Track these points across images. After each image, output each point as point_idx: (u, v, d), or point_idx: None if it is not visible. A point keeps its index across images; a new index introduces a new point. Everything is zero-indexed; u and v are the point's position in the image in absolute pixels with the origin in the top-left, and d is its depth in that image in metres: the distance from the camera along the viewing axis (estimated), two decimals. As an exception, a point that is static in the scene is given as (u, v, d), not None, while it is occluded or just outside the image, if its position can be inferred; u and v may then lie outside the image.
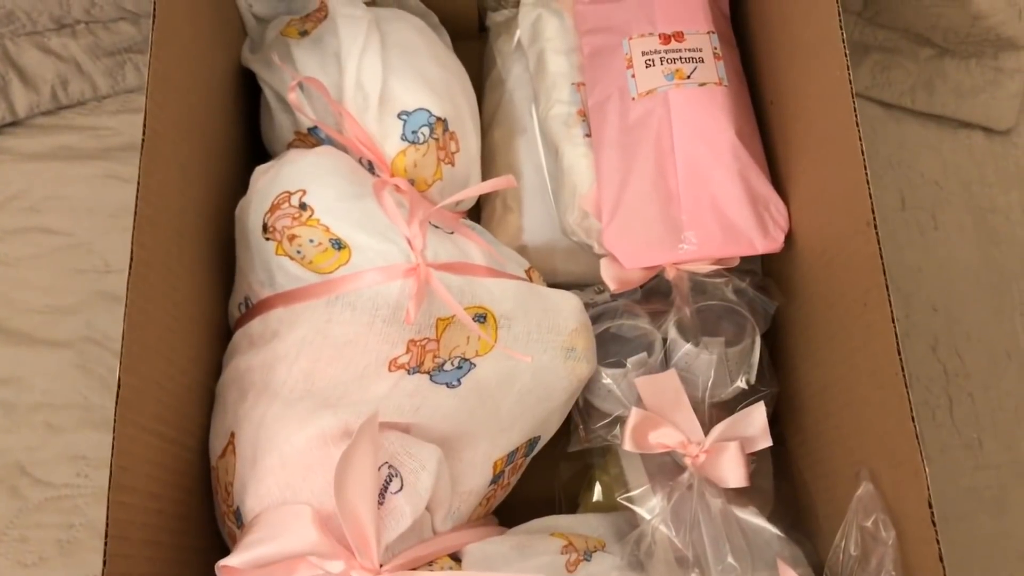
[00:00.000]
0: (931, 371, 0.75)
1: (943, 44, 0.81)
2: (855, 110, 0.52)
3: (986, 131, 0.81)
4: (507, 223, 0.73)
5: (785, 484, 0.66)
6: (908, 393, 0.47)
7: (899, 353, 0.48)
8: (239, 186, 0.65)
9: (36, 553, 0.72)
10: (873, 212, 0.50)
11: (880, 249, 0.49)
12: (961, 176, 0.80)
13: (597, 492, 0.69)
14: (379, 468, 0.52)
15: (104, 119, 0.82)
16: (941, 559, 0.45)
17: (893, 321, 0.48)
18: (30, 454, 0.74)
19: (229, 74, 0.69)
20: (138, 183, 0.50)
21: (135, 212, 0.50)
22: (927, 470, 0.46)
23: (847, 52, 0.54)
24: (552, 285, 0.70)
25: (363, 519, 0.50)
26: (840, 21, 0.55)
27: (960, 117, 0.80)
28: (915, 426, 0.47)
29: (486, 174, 0.73)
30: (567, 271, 0.72)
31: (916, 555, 0.47)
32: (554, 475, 0.71)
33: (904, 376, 0.47)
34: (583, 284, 0.71)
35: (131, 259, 0.49)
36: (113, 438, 0.47)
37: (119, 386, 0.47)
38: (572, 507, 0.70)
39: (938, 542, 0.45)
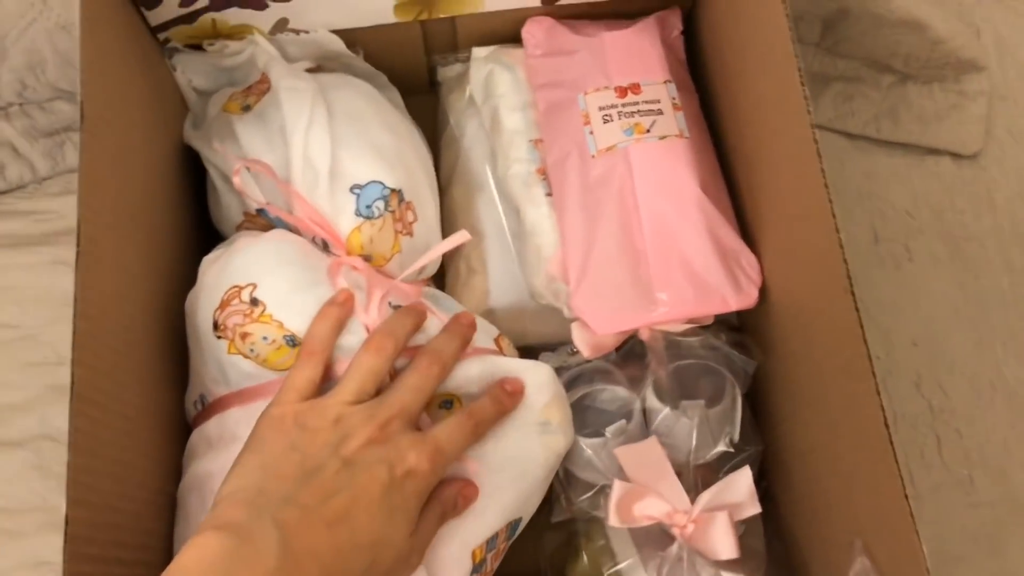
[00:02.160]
0: (916, 408, 0.73)
1: (904, 70, 0.79)
2: (823, 171, 0.49)
3: (954, 156, 0.79)
4: (472, 286, 0.71)
5: (777, 543, 0.64)
6: (899, 469, 0.45)
7: (887, 426, 0.46)
8: (189, 272, 0.62)
9: None
10: (849, 278, 0.48)
11: (860, 317, 0.47)
12: (932, 204, 0.78)
13: (583, 562, 0.66)
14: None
15: (46, 202, 0.79)
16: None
17: (878, 394, 0.46)
18: None
19: (172, 153, 0.66)
20: (75, 300, 0.47)
21: (73, 331, 0.47)
22: (925, 550, 0.44)
23: (808, 97, 0.51)
24: (523, 347, 0.67)
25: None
26: (799, 69, 0.52)
27: (926, 143, 0.79)
28: (909, 504, 0.44)
29: (447, 235, 0.71)
30: (538, 332, 0.70)
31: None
32: (538, 547, 0.68)
33: (894, 451, 0.45)
34: (555, 344, 0.68)
35: (72, 382, 0.46)
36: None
37: (67, 523, 0.44)
38: (559, 577, 0.67)
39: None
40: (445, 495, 0.54)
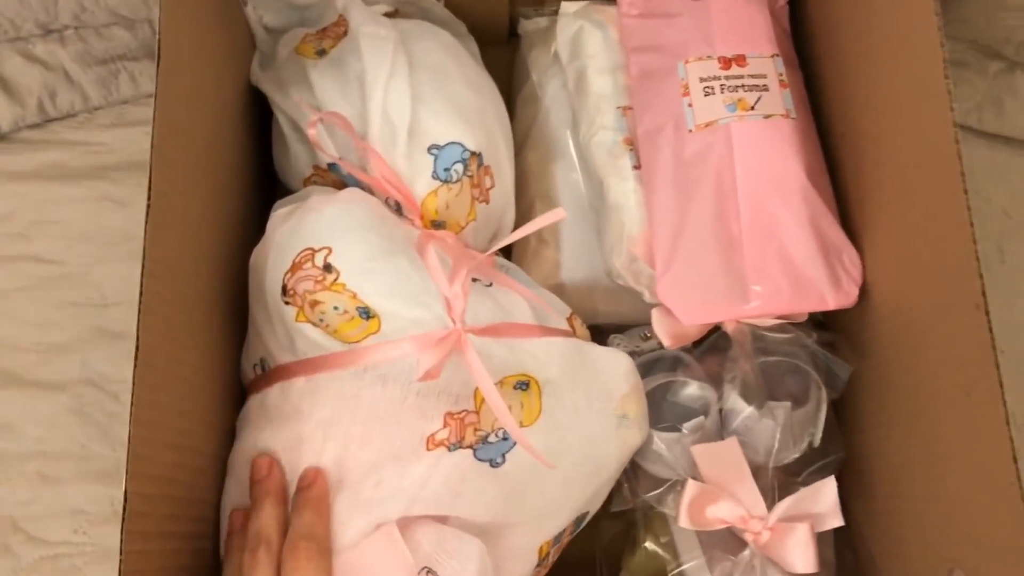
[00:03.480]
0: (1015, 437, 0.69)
1: (1015, 58, 0.74)
2: (962, 174, 0.45)
3: None
4: (543, 258, 0.67)
5: (848, 554, 0.61)
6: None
7: (1015, 461, 0.42)
8: (252, 223, 0.58)
9: None
10: (984, 294, 0.44)
11: (993, 338, 0.43)
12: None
13: (642, 556, 0.63)
14: (417, 574, 0.47)
15: (96, 133, 0.75)
16: None
17: (1008, 424, 0.42)
18: (23, 508, 0.68)
19: (239, 97, 0.62)
20: (143, 258, 0.44)
21: (140, 291, 0.43)
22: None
23: (948, 75, 0.47)
24: (593, 326, 0.64)
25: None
26: (941, 36, 0.48)
27: None
28: (1033, 546, 0.41)
29: (519, 201, 0.67)
30: (609, 311, 0.66)
31: None
32: (594, 535, 0.65)
33: (1021, 487, 0.42)
34: (627, 325, 0.64)
35: (137, 348, 0.43)
36: (120, 561, 0.41)
37: (125, 499, 0.41)
38: (613, 568, 0.65)
39: None
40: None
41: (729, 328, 0.59)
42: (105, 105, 0.75)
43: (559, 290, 0.65)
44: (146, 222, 0.44)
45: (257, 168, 0.65)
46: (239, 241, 0.58)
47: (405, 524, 0.49)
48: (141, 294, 0.43)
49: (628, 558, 0.64)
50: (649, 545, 0.63)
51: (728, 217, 0.58)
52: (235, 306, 0.57)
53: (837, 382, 0.58)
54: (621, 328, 0.65)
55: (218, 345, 0.55)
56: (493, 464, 0.52)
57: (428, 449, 0.51)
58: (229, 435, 0.56)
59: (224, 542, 0.52)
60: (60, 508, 0.68)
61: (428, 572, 0.48)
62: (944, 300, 0.48)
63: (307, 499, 0.48)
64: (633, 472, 0.62)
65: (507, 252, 0.68)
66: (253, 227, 0.58)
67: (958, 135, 0.45)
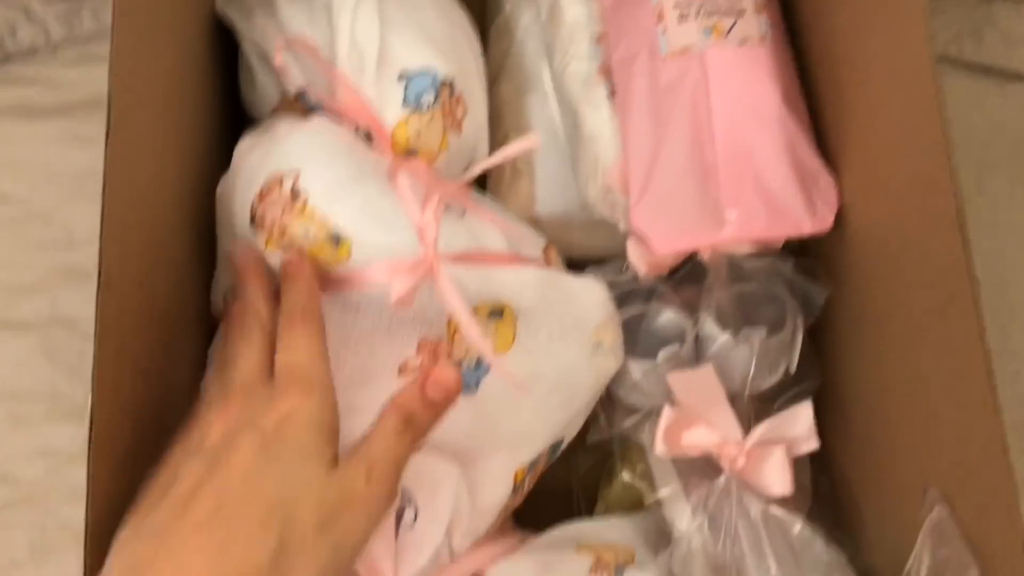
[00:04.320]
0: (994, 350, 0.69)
1: (994, -14, 0.73)
2: (934, 74, 0.44)
3: None
4: (517, 191, 0.66)
5: (823, 480, 0.61)
6: (1002, 422, 0.41)
7: (990, 376, 0.42)
8: (219, 156, 0.57)
9: (6, 556, 0.66)
10: (959, 211, 0.43)
11: (969, 254, 0.43)
12: (1010, 136, 0.73)
13: (618, 486, 0.63)
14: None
15: (60, 71, 0.73)
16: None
17: (983, 339, 0.42)
18: None
19: (202, 26, 0.60)
20: (104, 179, 0.43)
21: (101, 213, 0.42)
22: (1023, 504, 0.41)
23: (927, 11, 0.46)
24: (569, 259, 0.63)
25: (379, 560, 0.44)
26: None
27: (1012, 68, 0.73)
28: (1008, 460, 0.41)
29: (493, 134, 0.66)
30: (585, 245, 0.66)
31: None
32: (571, 467, 0.65)
33: (995, 403, 0.42)
34: (603, 259, 0.64)
35: (100, 268, 0.42)
36: (87, 482, 0.40)
37: (91, 423, 0.41)
38: (590, 501, 0.65)
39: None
40: (402, 399, 0.46)
41: (705, 256, 0.58)
42: (67, 42, 0.73)
43: (534, 223, 0.65)
44: (106, 143, 0.43)
45: (224, 105, 0.64)
46: (206, 177, 0.56)
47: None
48: (103, 214, 0.42)
49: (605, 489, 0.64)
50: (625, 476, 0.63)
51: (703, 144, 0.57)
52: (202, 242, 0.56)
53: (813, 306, 0.58)
54: (597, 262, 0.64)
55: (187, 277, 0.55)
56: (466, 389, 0.52)
57: (401, 375, 0.50)
58: (200, 364, 0.55)
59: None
60: (31, 448, 0.67)
61: (403, 496, 0.48)
62: (919, 219, 0.47)
63: (295, 277, 0.48)
64: (609, 403, 0.62)
65: (481, 186, 0.67)
66: (221, 163, 0.57)
67: (935, 60, 0.45)
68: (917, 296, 0.48)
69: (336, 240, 0.50)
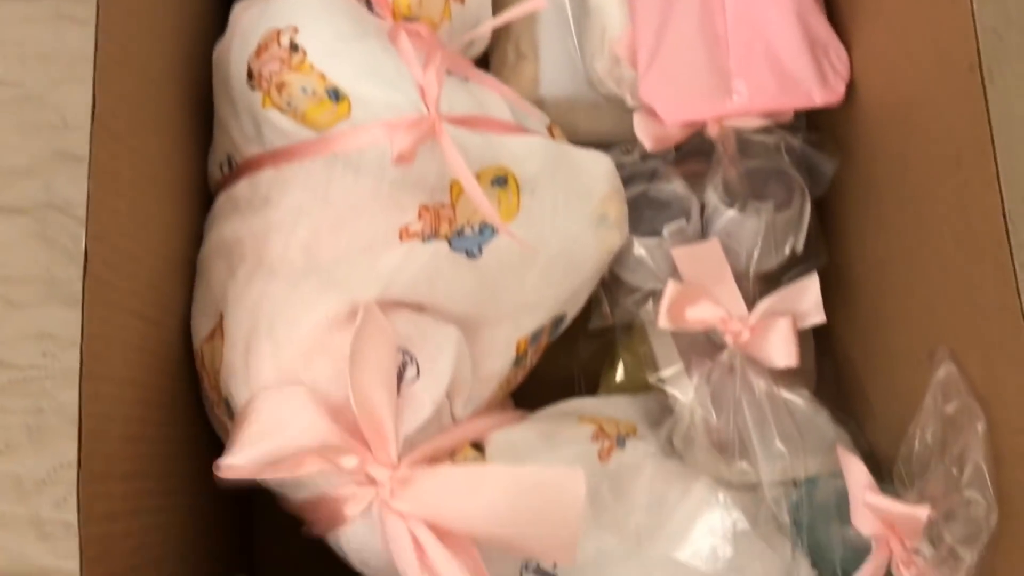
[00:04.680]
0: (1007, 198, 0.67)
1: None
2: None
3: None
4: (521, 72, 0.64)
5: (828, 361, 0.61)
6: (1014, 264, 0.40)
7: (1004, 216, 0.41)
8: (213, 25, 0.55)
9: (3, 440, 0.65)
10: (979, 52, 0.42)
11: (986, 96, 0.42)
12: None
13: (620, 372, 0.63)
14: (392, 353, 0.46)
15: None
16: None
17: (999, 180, 0.41)
18: None
19: None
20: (96, 21, 0.41)
21: (95, 55, 0.41)
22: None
23: None
24: (573, 144, 0.62)
25: (379, 409, 0.44)
26: None
27: None
28: (1020, 302, 0.40)
29: (497, 12, 0.64)
30: (590, 128, 0.64)
31: (1011, 446, 0.42)
32: (572, 354, 0.65)
33: (1010, 244, 0.41)
34: (608, 143, 0.62)
35: (93, 110, 0.41)
36: (82, 319, 0.39)
37: (86, 258, 0.40)
38: (592, 388, 0.64)
39: (1044, 432, 0.39)
40: None
41: (712, 132, 0.57)
42: None
43: (538, 105, 0.63)
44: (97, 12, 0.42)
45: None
46: (200, 41, 0.55)
47: (382, 310, 0.48)
48: (95, 63, 0.41)
49: (607, 376, 0.64)
50: (628, 360, 0.62)
51: (714, 13, 0.56)
52: (199, 109, 0.55)
53: (822, 179, 0.57)
54: (603, 146, 0.63)
55: (182, 145, 0.53)
56: (469, 255, 0.51)
57: (401, 240, 0.49)
58: (195, 239, 0.54)
59: None
60: (27, 332, 0.66)
61: (404, 354, 0.47)
62: (935, 68, 0.46)
63: None
64: (614, 285, 0.61)
65: (484, 68, 0.66)
66: (216, 34, 0.55)
67: None
68: (932, 151, 0.47)
69: (335, 96, 0.49)
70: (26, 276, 0.67)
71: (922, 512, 0.43)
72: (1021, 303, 0.40)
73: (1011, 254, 0.41)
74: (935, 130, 0.46)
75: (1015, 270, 0.41)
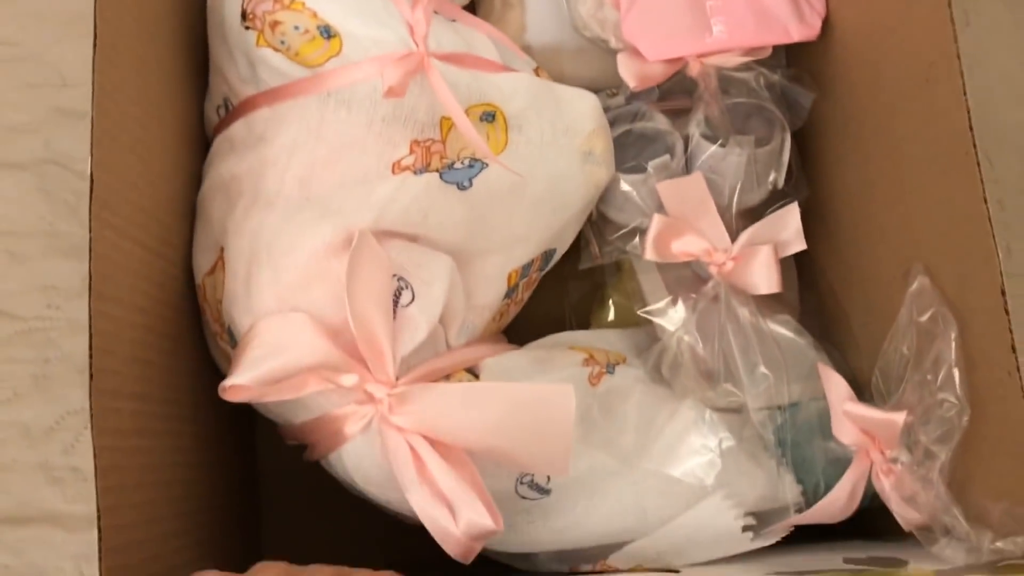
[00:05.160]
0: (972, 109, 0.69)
1: None
2: None
3: None
4: (507, 20, 0.66)
5: (811, 296, 0.63)
6: (980, 172, 0.42)
7: (971, 129, 0.43)
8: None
9: (10, 388, 0.67)
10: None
11: (952, 13, 0.43)
12: None
13: (610, 311, 0.65)
14: (388, 278, 0.48)
15: None
16: (1014, 349, 0.41)
17: (965, 93, 0.43)
18: None
19: None
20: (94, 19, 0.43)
21: (95, 11, 0.42)
22: (1000, 255, 0.42)
23: None
24: (559, 91, 0.64)
25: (377, 329, 0.45)
26: None
27: None
28: (987, 208, 0.42)
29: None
30: (576, 74, 0.66)
31: (981, 349, 0.44)
32: (563, 295, 0.67)
33: (976, 154, 0.43)
34: (594, 88, 0.64)
35: (93, 65, 0.42)
36: (90, 239, 0.41)
37: (92, 182, 0.41)
38: (583, 328, 0.66)
39: (1011, 331, 0.41)
40: None
41: (694, 70, 0.59)
42: None
43: (526, 52, 0.65)
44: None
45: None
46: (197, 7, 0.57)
47: (376, 239, 0.49)
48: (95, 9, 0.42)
49: (597, 315, 0.65)
50: (617, 300, 0.64)
51: (693, -48, 0.57)
52: (195, 54, 0.56)
53: (800, 111, 0.59)
54: (589, 90, 0.64)
55: (178, 88, 0.55)
56: (460, 187, 0.52)
57: (394, 173, 0.51)
58: (194, 182, 0.55)
59: None
60: (31, 284, 0.68)
61: (399, 280, 0.49)
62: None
63: None
64: (601, 224, 0.63)
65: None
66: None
67: None
68: (900, 72, 0.49)
69: (327, 33, 0.50)
70: (29, 230, 0.69)
71: (899, 417, 0.45)
72: (988, 212, 0.42)
73: (977, 164, 0.43)
74: (905, 50, 0.48)
75: (982, 180, 0.43)
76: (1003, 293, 0.42)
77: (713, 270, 0.58)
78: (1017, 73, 0.71)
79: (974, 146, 0.43)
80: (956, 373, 0.44)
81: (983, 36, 0.60)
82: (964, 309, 0.45)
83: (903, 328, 0.48)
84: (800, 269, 0.63)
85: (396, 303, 0.48)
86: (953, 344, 0.44)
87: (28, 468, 0.65)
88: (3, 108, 0.70)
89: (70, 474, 0.63)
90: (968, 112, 0.43)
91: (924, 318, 0.46)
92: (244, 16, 0.51)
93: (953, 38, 0.44)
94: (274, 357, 0.44)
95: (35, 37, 0.71)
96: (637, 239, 0.60)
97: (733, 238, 0.58)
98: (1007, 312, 0.41)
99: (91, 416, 0.39)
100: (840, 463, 0.52)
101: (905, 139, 0.49)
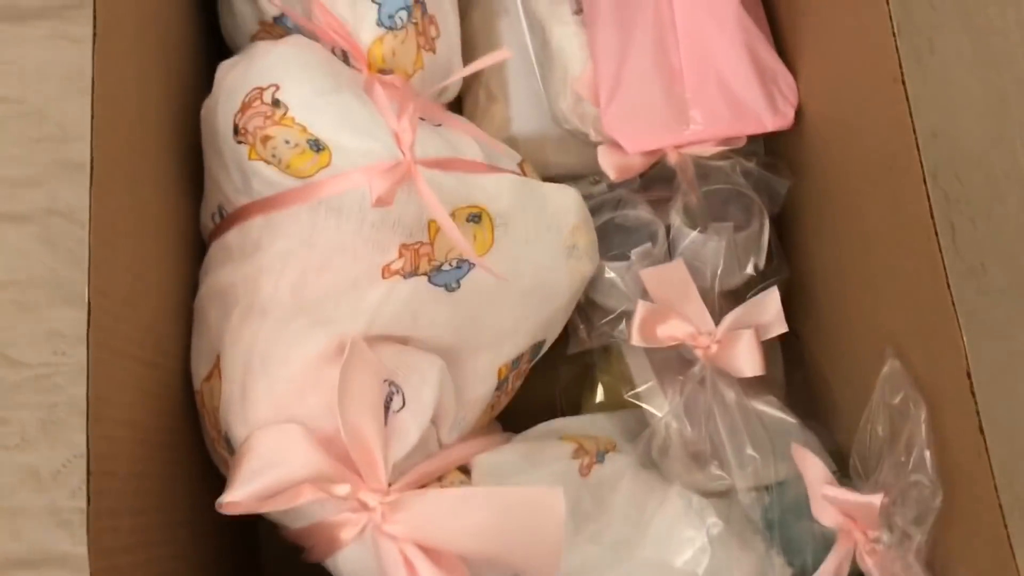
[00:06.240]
0: (933, 198, 0.73)
1: None
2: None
3: None
4: (492, 114, 0.68)
5: (796, 372, 0.64)
6: (942, 257, 0.44)
7: (932, 216, 0.44)
8: (201, 85, 0.59)
9: (18, 434, 0.68)
10: (901, 66, 0.46)
11: (910, 106, 0.45)
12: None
13: (599, 394, 0.66)
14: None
15: None
16: (982, 430, 0.42)
17: (925, 182, 0.45)
18: (2, 334, 0.68)
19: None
20: (92, 87, 0.45)
21: (91, 117, 0.45)
22: (965, 338, 0.43)
23: None
24: (544, 178, 0.65)
25: (369, 438, 0.47)
26: None
27: None
28: (951, 293, 0.44)
29: (467, 61, 0.68)
30: (559, 162, 0.68)
31: (952, 429, 0.45)
32: (553, 379, 0.68)
33: (938, 240, 0.44)
34: (577, 176, 0.66)
35: (91, 168, 0.44)
36: (87, 365, 0.43)
37: (89, 309, 0.43)
38: (573, 411, 0.67)
39: (978, 414, 0.43)
40: None
41: (672, 159, 0.61)
42: None
43: (510, 144, 0.66)
44: (93, 49, 0.45)
45: (204, 40, 0.66)
46: (189, 100, 0.59)
47: (367, 344, 0.51)
48: (92, 125, 0.44)
49: (587, 399, 0.67)
50: (606, 381, 0.65)
51: (668, 48, 0.60)
52: (190, 162, 0.58)
53: (777, 198, 0.61)
54: (571, 179, 0.66)
55: (175, 194, 0.57)
56: (448, 289, 0.54)
57: (384, 278, 0.52)
58: (191, 286, 0.57)
59: None
60: (37, 332, 0.69)
61: (390, 385, 0.50)
62: (863, 84, 0.50)
63: None
64: (589, 309, 0.64)
65: (457, 111, 0.69)
66: (203, 96, 0.59)
67: None
68: (866, 159, 0.51)
69: (317, 146, 0.52)
70: (34, 279, 0.71)
71: (876, 499, 0.47)
72: (952, 298, 0.44)
73: (939, 251, 0.44)
74: (869, 139, 0.51)
75: (945, 267, 0.44)
76: (968, 376, 0.43)
77: (699, 353, 0.59)
78: (979, 158, 0.73)
79: (935, 233, 0.44)
80: (928, 455, 0.46)
81: (939, 119, 0.63)
82: (933, 391, 0.47)
83: (876, 409, 0.49)
84: (785, 345, 0.64)
85: (387, 408, 0.50)
86: (924, 426, 0.46)
87: (38, 512, 0.67)
88: (8, 163, 0.72)
89: (77, 516, 0.63)
90: (929, 200, 0.44)
91: (896, 400, 0.48)
92: (236, 131, 0.53)
93: (911, 128, 0.45)
94: (269, 471, 0.46)
95: (37, 93, 0.74)
96: (624, 324, 0.62)
97: (718, 318, 0.60)
98: (973, 394, 0.43)
99: (88, 543, 0.40)
100: (828, 540, 0.52)
101: (873, 224, 0.51)
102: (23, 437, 0.67)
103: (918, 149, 0.44)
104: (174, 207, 0.57)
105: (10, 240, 0.70)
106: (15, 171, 0.72)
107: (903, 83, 0.45)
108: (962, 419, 0.43)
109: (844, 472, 0.56)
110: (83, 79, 0.44)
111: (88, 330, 0.43)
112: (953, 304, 0.43)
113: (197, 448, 0.55)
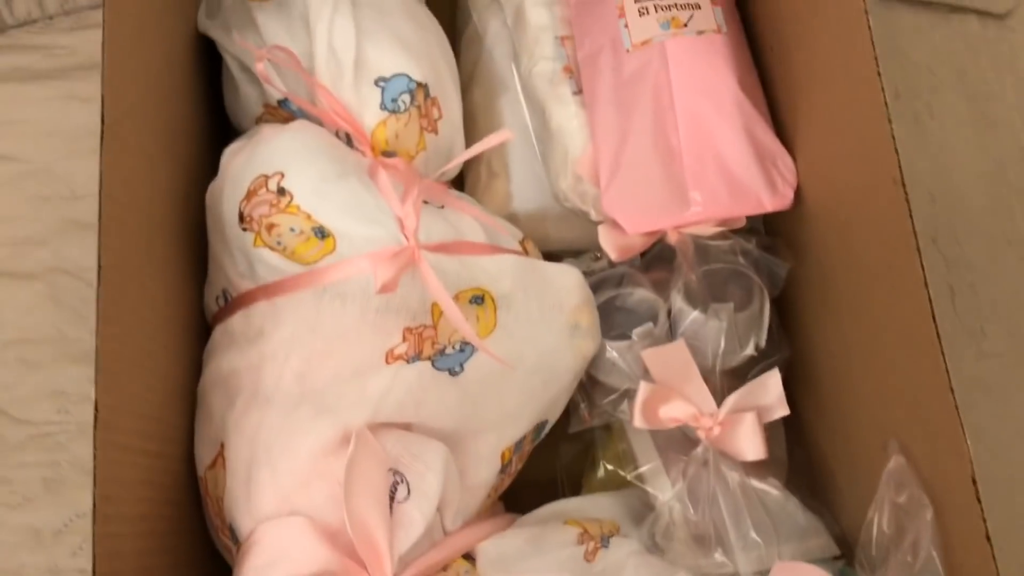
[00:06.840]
0: (931, 261, 0.73)
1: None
2: (875, 52, 0.48)
3: (980, 15, 0.79)
4: (494, 190, 0.69)
5: (799, 451, 0.64)
6: (945, 362, 0.44)
7: (934, 320, 0.45)
8: (206, 166, 0.60)
9: (20, 493, 0.68)
10: (900, 168, 0.47)
11: (910, 209, 0.46)
12: (954, 63, 0.78)
13: (601, 472, 0.66)
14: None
15: (57, 37, 0.77)
16: (988, 538, 0.42)
17: (926, 286, 0.45)
18: (6, 392, 0.70)
19: (186, 42, 0.63)
20: (100, 179, 0.45)
21: (99, 212, 0.45)
22: (970, 446, 0.43)
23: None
24: (545, 253, 0.66)
25: (374, 531, 0.47)
26: None
27: (952, 1, 0.79)
28: (954, 398, 0.44)
29: (468, 139, 0.69)
30: (560, 238, 0.69)
31: (958, 533, 0.45)
32: (555, 457, 0.67)
33: (940, 345, 0.44)
34: (578, 251, 0.67)
35: (99, 266, 0.44)
36: (94, 465, 0.43)
37: (96, 409, 0.43)
38: (575, 489, 0.67)
39: (984, 520, 0.42)
40: None
41: (672, 239, 0.61)
42: (61, 13, 0.77)
43: (512, 219, 0.67)
44: (100, 148, 0.46)
45: (210, 119, 0.67)
46: (196, 183, 0.59)
47: (371, 431, 0.51)
48: (100, 214, 0.45)
49: (589, 476, 0.66)
50: (608, 460, 0.65)
51: (667, 129, 0.60)
52: (195, 246, 0.59)
53: (777, 280, 0.61)
54: (573, 253, 0.67)
55: (181, 278, 0.57)
56: (452, 373, 0.54)
57: (388, 363, 0.53)
58: (196, 368, 0.57)
59: None
60: (42, 390, 0.70)
61: (395, 474, 0.50)
62: (864, 181, 0.51)
63: None
64: (589, 390, 0.64)
65: (459, 187, 0.70)
66: (208, 174, 0.59)
67: (877, 56, 0.48)
68: (865, 252, 0.51)
69: (321, 233, 0.53)
70: (40, 337, 0.71)
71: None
72: (955, 399, 0.44)
73: (942, 353, 0.45)
74: (869, 237, 0.51)
75: (947, 368, 0.44)
76: (974, 482, 0.43)
77: (701, 435, 0.59)
78: (976, 257, 0.74)
79: (938, 336, 0.45)
80: (936, 557, 0.45)
81: (937, 222, 0.63)
82: (939, 491, 0.46)
83: (881, 505, 0.49)
84: (788, 425, 0.64)
85: (392, 498, 0.50)
86: (930, 527, 0.46)
87: (38, 572, 0.66)
88: (17, 222, 0.74)
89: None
90: (931, 303, 0.45)
91: (901, 499, 0.48)
92: (241, 218, 0.54)
93: (912, 232, 0.46)
94: (275, 567, 0.46)
95: (46, 152, 0.75)
96: (626, 403, 0.62)
97: (720, 397, 0.60)
98: (979, 500, 0.43)
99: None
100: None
101: (873, 317, 0.51)
102: (25, 496, 0.67)
103: (919, 252, 0.45)
104: (180, 291, 0.57)
105: (18, 298, 0.72)
106: (24, 229, 0.73)
107: (903, 185, 0.46)
108: (969, 524, 0.43)
109: (848, 554, 0.56)
110: (91, 138, 0.45)
111: (95, 429, 0.43)
112: (957, 409, 0.43)
113: (202, 535, 0.55)
